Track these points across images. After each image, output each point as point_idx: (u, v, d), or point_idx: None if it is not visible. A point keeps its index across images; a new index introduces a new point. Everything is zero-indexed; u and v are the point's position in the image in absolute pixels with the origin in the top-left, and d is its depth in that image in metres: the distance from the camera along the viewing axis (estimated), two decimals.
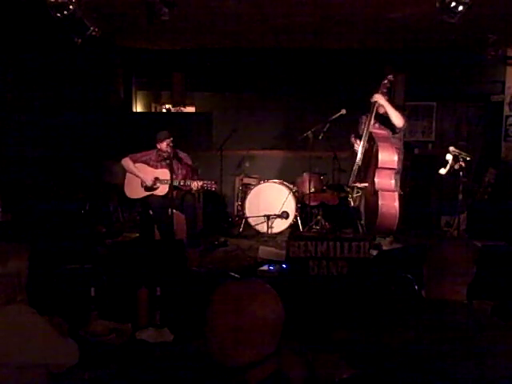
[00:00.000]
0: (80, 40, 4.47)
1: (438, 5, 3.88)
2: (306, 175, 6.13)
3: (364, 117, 5.57)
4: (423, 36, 6.27)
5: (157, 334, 2.97)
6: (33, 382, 1.98)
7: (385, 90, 5.24)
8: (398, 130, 5.27)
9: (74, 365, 2.14)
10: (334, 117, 5.55)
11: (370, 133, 5.24)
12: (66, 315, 2.58)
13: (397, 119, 5.19)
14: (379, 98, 5.18)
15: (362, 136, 5.34)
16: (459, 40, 6.41)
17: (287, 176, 6.66)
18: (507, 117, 7.14)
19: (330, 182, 6.39)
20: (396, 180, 5.16)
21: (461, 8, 3.80)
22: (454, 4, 3.79)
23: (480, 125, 7.43)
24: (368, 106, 5.44)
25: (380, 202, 4.98)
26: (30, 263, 2.13)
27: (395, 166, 5.13)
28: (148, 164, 5.38)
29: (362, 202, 5.40)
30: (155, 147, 5.36)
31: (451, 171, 4.84)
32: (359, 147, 5.31)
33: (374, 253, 4.52)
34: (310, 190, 5.84)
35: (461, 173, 4.74)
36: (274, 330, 1.37)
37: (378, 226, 5.04)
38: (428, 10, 4.27)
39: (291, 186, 6.30)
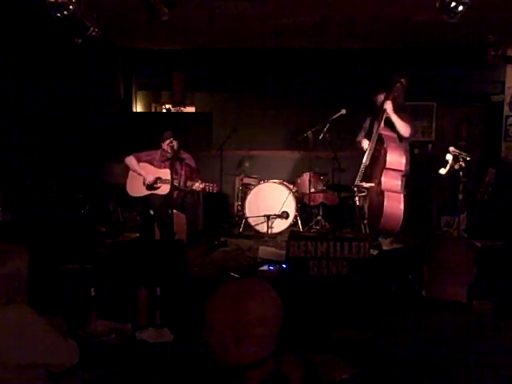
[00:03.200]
0: (80, 40, 4.48)
1: (437, 5, 3.88)
2: (305, 175, 6.14)
3: (368, 121, 5.54)
4: (423, 36, 6.27)
5: (157, 334, 2.97)
6: (33, 382, 1.98)
7: (396, 94, 5.20)
8: (403, 139, 5.24)
9: (73, 365, 2.14)
10: (334, 117, 5.56)
11: (380, 134, 5.23)
12: (66, 315, 2.58)
13: (403, 129, 5.17)
14: (388, 107, 5.14)
15: (370, 136, 5.32)
16: (459, 40, 6.41)
17: (287, 176, 6.66)
18: (507, 117, 7.14)
19: (330, 182, 6.38)
20: (402, 182, 5.15)
21: (461, 8, 3.80)
22: (453, 4, 3.78)
23: (480, 125, 7.42)
24: (372, 107, 5.42)
25: (385, 203, 4.98)
26: (30, 263, 2.12)
27: (402, 168, 5.12)
28: (152, 164, 5.41)
29: (367, 201, 5.40)
30: (160, 147, 5.40)
31: (451, 171, 4.84)
32: (367, 147, 5.28)
33: (374, 253, 4.52)
34: (310, 189, 5.84)
35: (461, 173, 4.74)
36: (273, 329, 1.37)
37: (381, 225, 5.04)
38: (428, 9, 4.27)
39: (291, 186, 6.29)
